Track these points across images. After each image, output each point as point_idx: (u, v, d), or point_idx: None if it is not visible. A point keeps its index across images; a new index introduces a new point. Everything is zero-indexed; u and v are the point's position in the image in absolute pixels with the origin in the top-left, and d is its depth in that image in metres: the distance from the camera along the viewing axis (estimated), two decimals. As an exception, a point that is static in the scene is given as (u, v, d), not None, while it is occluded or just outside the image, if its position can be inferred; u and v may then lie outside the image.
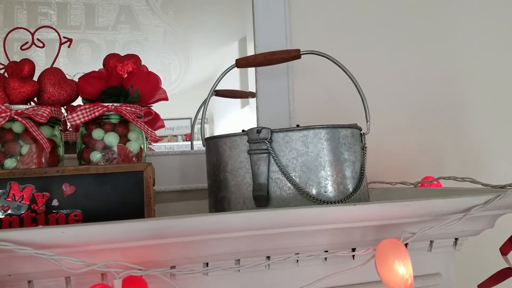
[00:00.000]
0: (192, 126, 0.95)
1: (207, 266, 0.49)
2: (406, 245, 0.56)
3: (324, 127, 0.61)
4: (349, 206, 0.46)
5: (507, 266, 0.49)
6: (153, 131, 0.61)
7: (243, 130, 0.63)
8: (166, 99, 0.67)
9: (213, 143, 0.66)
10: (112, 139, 0.59)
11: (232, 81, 0.96)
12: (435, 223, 0.48)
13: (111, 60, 0.65)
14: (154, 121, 0.91)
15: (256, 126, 0.66)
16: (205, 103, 0.75)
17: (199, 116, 0.91)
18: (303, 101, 0.93)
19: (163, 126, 0.92)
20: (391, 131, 0.99)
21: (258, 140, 0.61)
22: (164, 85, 0.84)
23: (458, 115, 1.04)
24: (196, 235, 0.42)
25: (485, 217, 0.54)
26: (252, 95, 0.94)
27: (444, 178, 0.69)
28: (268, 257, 0.51)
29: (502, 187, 0.57)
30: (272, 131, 0.61)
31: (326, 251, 0.53)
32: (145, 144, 0.64)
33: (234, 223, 0.41)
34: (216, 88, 0.79)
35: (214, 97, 0.95)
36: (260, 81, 0.91)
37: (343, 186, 0.60)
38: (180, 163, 0.84)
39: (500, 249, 0.52)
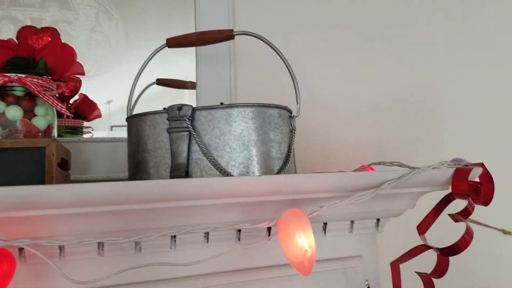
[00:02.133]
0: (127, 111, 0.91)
1: (103, 245, 0.45)
2: (325, 225, 0.54)
3: (249, 105, 0.58)
4: (254, 177, 0.43)
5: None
6: (63, 106, 0.56)
7: (164, 108, 0.60)
8: (82, 73, 0.62)
9: (134, 123, 0.62)
10: (14, 112, 0.54)
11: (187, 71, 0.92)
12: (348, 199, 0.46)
13: (25, 31, 0.61)
14: (91, 109, 0.87)
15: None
16: (133, 86, 0.72)
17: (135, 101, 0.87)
18: (246, 89, 0.91)
19: (100, 116, 0.88)
20: (339, 124, 0.98)
21: (178, 118, 0.58)
22: (94, 68, 0.80)
23: (405, 109, 1.04)
24: (72, 206, 0.38)
25: (404, 195, 0.52)
26: (192, 84, 0.91)
27: (374, 163, 0.68)
28: (174, 236, 0.48)
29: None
30: (194, 109, 0.58)
31: (239, 231, 0.51)
32: (56, 122, 0.60)
33: (111, 194, 0.37)
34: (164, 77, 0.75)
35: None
36: (201, 68, 0.88)
37: (267, 167, 0.58)
38: (110, 150, 0.80)
39: (417, 227, 0.50)
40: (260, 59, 0.92)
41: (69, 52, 0.60)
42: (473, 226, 1.06)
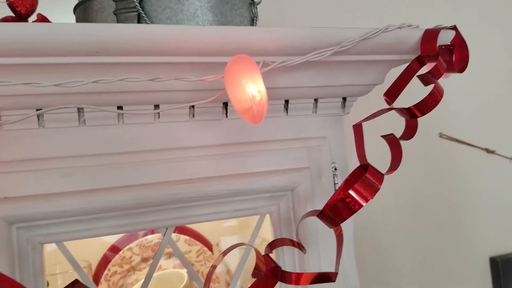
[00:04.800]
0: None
1: (42, 115, 0.42)
2: (287, 103, 0.51)
3: (201, -18, 0.53)
4: (194, 27, 0.39)
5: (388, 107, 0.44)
6: None
7: (111, -9, 0.55)
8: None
9: (81, 11, 0.57)
10: None
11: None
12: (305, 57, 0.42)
13: None
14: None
15: None
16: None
17: None
18: None
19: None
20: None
21: (125, -2, 0.53)
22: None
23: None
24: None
25: (371, 66, 0.49)
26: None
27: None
28: (120, 108, 0.44)
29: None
30: (142, -12, 0.53)
31: (193, 107, 0.47)
32: None
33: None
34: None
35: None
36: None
37: (226, 51, 0.54)
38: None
39: (385, 95, 0.46)
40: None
41: None
42: (457, 145, 1.04)
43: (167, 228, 0.46)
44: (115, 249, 0.68)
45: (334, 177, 0.51)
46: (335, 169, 0.52)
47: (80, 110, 0.43)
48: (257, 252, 0.37)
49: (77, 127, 0.44)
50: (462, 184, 1.03)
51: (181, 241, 0.73)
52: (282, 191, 0.49)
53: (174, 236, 0.72)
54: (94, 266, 0.68)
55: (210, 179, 0.46)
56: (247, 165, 0.48)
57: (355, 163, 0.45)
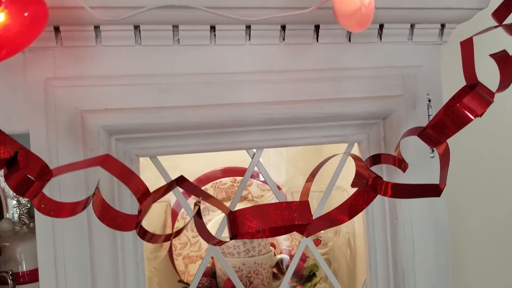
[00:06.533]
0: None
1: (139, 32, 0.43)
2: (381, 29, 0.48)
3: None
4: None
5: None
6: None
7: None
8: None
9: None
10: None
11: None
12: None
13: None
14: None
15: None
16: None
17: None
18: None
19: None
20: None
21: None
22: None
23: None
24: None
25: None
26: None
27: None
28: (213, 28, 0.44)
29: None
30: None
31: (284, 29, 0.46)
32: None
33: None
34: None
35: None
36: None
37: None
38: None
39: (493, 15, 0.42)
40: None
41: None
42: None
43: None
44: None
45: (428, 109, 0.48)
46: (429, 100, 0.49)
47: (174, 29, 0.44)
48: (359, 159, 0.35)
49: (171, 46, 0.45)
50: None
51: (254, 185, 0.73)
52: (373, 119, 0.47)
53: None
54: (172, 203, 0.71)
55: (301, 102, 0.45)
56: (338, 90, 0.46)
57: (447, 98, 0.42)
